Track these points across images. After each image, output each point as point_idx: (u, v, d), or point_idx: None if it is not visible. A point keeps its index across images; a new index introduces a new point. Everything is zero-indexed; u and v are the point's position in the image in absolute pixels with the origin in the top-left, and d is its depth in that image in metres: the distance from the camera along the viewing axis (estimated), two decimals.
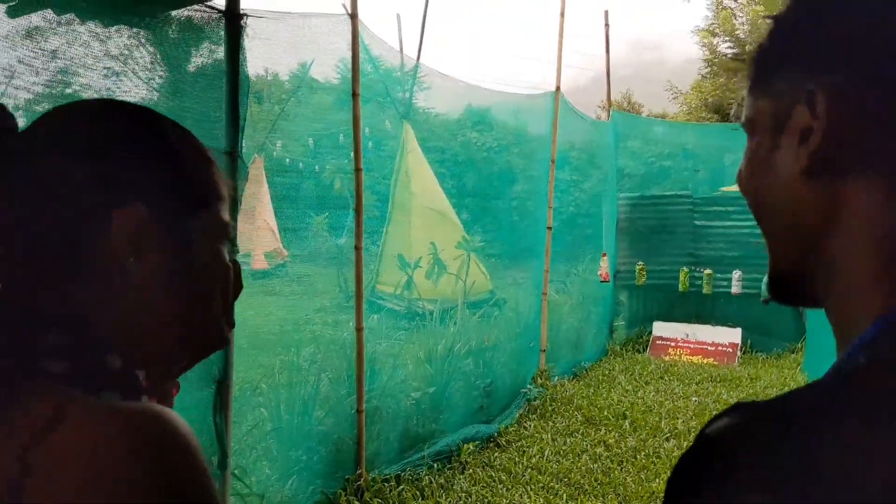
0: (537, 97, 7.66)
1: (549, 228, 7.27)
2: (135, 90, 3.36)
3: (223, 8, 3.42)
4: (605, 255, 8.68)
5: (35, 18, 2.91)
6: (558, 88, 7.22)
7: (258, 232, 7.15)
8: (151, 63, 3.44)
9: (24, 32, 2.89)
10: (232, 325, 0.86)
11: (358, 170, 4.50)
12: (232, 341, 3.47)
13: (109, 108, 0.83)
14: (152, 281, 0.75)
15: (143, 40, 3.39)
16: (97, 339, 0.72)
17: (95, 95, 3.12)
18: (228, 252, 0.85)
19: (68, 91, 3.07)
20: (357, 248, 4.49)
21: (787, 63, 0.65)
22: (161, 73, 3.52)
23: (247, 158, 6.80)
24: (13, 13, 2.81)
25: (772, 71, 0.66)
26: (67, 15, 3.04)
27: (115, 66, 3.29)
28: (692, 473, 0.55)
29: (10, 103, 2.71)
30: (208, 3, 3.42)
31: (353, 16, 4.39)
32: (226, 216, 0.84)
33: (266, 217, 7.09)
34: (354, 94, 4.45)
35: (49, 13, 2.95)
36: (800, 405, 0.54)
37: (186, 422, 0.66)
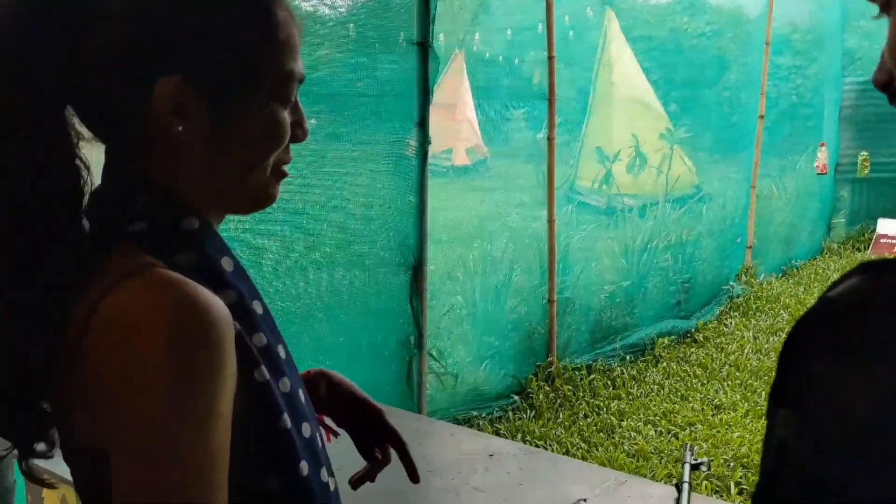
0: None
1: (761, 118, 6.82)
2: None
3: None
4: (823, 144, 8.01)
5: None
6: None
7: (459, 127, 7.30)
8: None
9: None
10: (285, 174, 0.85)
11: (551, 58, 4.45)
12: (426, 230, 3.65)
13: None
14: (201, 145, 0.76)
15: None
16: (174, 202, 0.77)
17: None
18: (292, 107, 0.82)
19: None
20: (550, 139, 4.49)
21: None
22: None
23: (447, 53, 6.92)
24: None
25: None
26: None
27: None
28: (813, 338, 0.51)
29: None
30: None
31: None
32: (290, 67, 0.80)
33: (467, 112, 7.20)
34: None
35: None
36: None
37: (229, 316, 0.69)
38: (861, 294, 0.50)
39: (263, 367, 0.76)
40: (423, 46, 3.49)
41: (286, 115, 0.81)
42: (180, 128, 0.74)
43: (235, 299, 0.76)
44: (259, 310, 0.81)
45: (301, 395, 0.84)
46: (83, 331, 0.67)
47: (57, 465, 0.83)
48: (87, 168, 0.74)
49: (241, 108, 0.77)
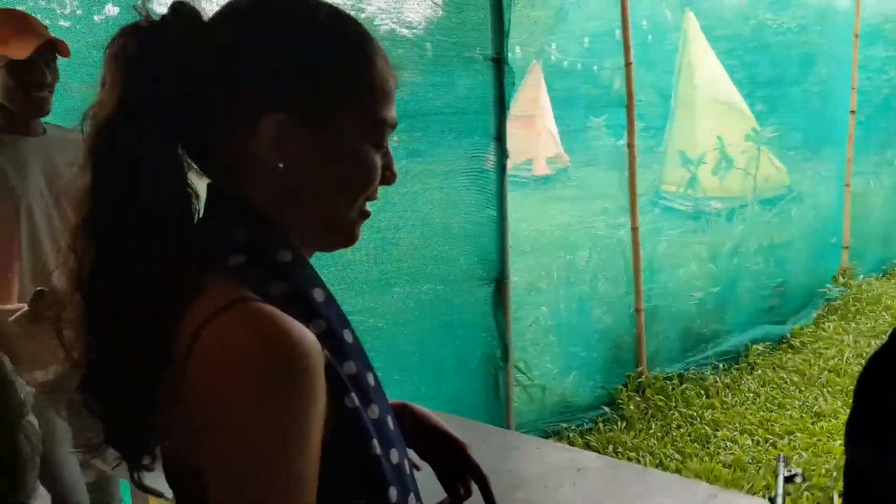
0: None
1: (853, 112, 6.58)
2: (419, 7, 3.54)
3: None
4: None
5: None
6: None
7: (538, 137, 7.29)
8: None
9: None
10: (369, 214, 0.89)
11: (628, 64, 4.41)
12: (507, 243, 3.66)
13: (271, 5, 0.84)
14: (299, 181, 0.81)
15: None
16: (272, 235, 0.82)
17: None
18: (383, 152, 0.87)
19: None
20: (630, 146, 4.45)
21: None
22: None
23: (524, 65, 6.92)
24: None
25: None
26: None
27: None
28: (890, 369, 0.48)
29: None
30: None
31: None
32: (384, 114, 0.85)
33: (546, 122, 7.19)
34: None
35: None
36: None
37: (319, 348, 0.73)
38: None
39: (353, 395, 0.79)
40: (498, 62, 3.51)
41: (378, 159, 0.85)
42: (281, 164, 0.79)
43: (325, 328, 0.80)
44: (349, 338, 0.84)
45: (390, 422, 0.87)
46: (187, 355, 0.72)
47: (156, 480, 0.88)
48: (197, 197, 0.80)
49: (338, 148, 0.82)
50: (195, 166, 0.84)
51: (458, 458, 1.11)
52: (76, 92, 2.40)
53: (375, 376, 0.88)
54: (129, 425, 0.78)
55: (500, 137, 3.55)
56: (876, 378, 0.50)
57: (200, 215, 0.83)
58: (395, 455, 0.84)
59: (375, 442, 0.80)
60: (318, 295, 0.83)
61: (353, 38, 0.84)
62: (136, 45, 0.76)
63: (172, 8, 0.79)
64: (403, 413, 1.10)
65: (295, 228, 0.83)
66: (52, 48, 2.15)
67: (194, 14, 0.80)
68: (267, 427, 0.68)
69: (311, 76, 0.80)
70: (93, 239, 0.75)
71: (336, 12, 0.85)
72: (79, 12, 2.57)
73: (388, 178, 0.89)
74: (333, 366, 0.77)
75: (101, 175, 0.75)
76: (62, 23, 2.55)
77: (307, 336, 0.72)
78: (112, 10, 2.59)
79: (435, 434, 1.11)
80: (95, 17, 2.59)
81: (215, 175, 0.84)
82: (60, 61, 2.22)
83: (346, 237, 0.88)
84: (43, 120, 2.28)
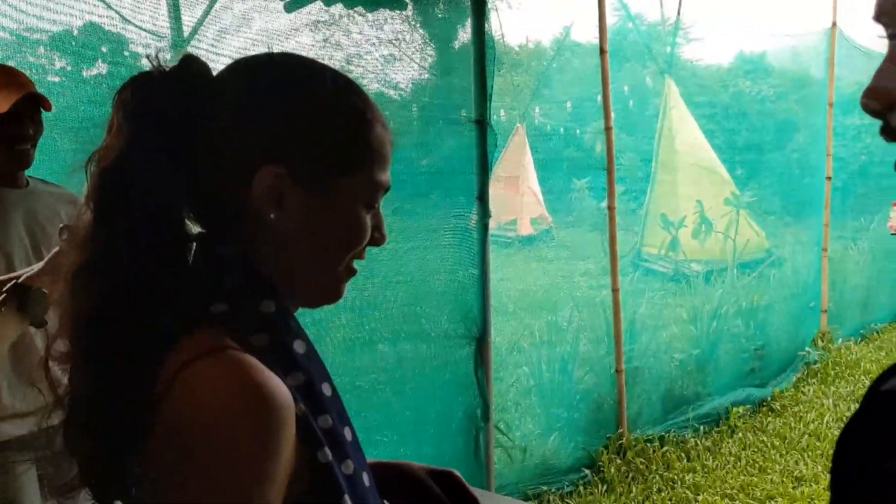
0: (817, 35, 7.03)
1: (829, 179, 6.71)
2: (406, 70, 3.62)
3: None
4: (895, 204, 7.81)
5: (315, 11, 3.22)
6: (834, 24, 6.60)
7: (523, 198, 7.38)
8: (422, 43, 3.67)
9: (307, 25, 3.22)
10: (354, 273, 0.91)
11: (608, 128, 4.50)
12: (488, 301, 3.67)
13: (278, 65, 0.87)
14: (290, 235, 0.83)
15: (412, 23, 3.62)
16: (258, 286, 0.83)
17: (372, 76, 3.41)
18: (373, 213, 0.89)
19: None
20: (610, 208, 4.50)
21: None
22: (430, 52, 3.73)
23: (509, 127, 7.02)
24: (289, 8, 3.16)
25: None
26: (335, 5, 3.32)
27: (389, 51, 3.55)
28: (869, 434, 0.49)
29: None
30: None
31: None
32: (379, 177, 0.87)
33: (530, 184, 7.29)
34: (602, 51, 4.44)
35: (319, 4, 3.24)
36: None
37: (292, 403, 0.74)
38: None
39: (326, 449, 0.79)
40: (482, 124, 3.57)
41: (369, 220, 0.87)
42: (273, 215, 0.81)
43: (304, 381, 0.81)
44: (327, 392, 0.85)
45: (365, 478, 0.87)
46: (163, 398, 0.72)
47: None
48: (192, 243, 0.83)
49: (331, 205, 0.84)
50: (192, 214, 0.85)
51: None
52: (62, 145, 2.43)
53: (353, 431, 0.88)
54: (107, 466, 0.78)
55: (483, 197, 3.59)
56: (864, 444, 0.49)
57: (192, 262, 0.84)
58: None
59: (347, 498, 0.80)
60: (299, 347, 0.84)
61: (355, 104, 0.86)
62: (145, 93, 0.79)
63: (183, 61, 0.82)
64: (387, 468, 1.10)
65: (283, 281, 0.85)
66: (35, 102, 2.18)
67: (203, 68, 0.84)
68: (230, 474, 0.69)
69: (314, 137, 0.83)
70: (92, 279, 0.76)
71: (340, 77, 0.87)
72: (69, 68, 2.60)
73: (378, 239, 0.91)
74: (308, 419, 0.77)
75: (102, 217, 0.77)
76: (50, 77, 2.58)
77: (280, 388, 0.73)
78: (102, 67, 2.63)
79: (416, 486, 1.10)
80: (84, 73, 2.63)
81: (210, 224, 0.86)
82: (47, 115, 2.25)
83: (332, 294, 0.90)
84: (27, 173, 2.29)
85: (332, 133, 0.83)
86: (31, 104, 2.17)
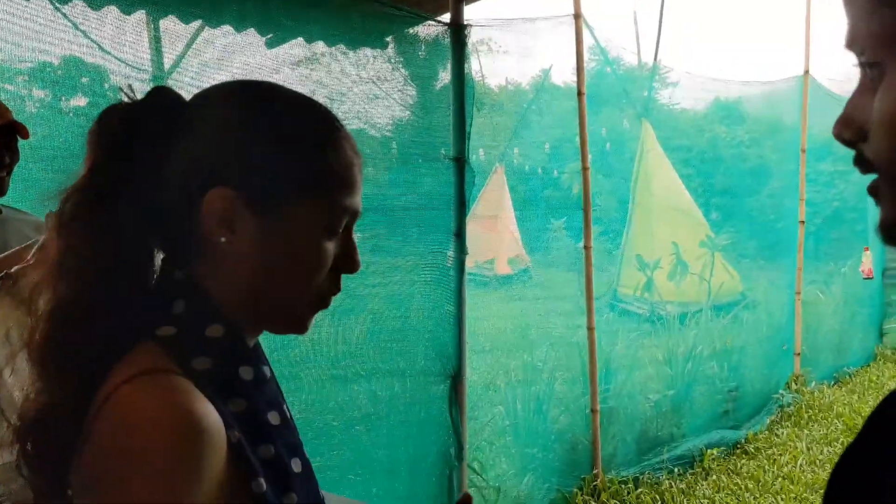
0: (790, 82, 7.17)
1: (802, 223, 6.81)
2: (387, 108, 3.66)
3: (448, 21, 3.61)
4: (867, 249, 7.92)
5: (297, 48, 3.26)
6: (807, 72, 6.75)
7: (501, 237, 7.41)
8: (403, 83, 3.71)
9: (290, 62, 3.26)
10: (324, 305, 0.89)
11: (585, 169, 4.56)
12: (464, 339, 3.67)
13: (242, 90, 0.87)
14: (243, 260, 0.82)
15: (393, 63, 3.67)
16: (207, 309, 0.82)
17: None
18: (341, 239, 0.87)
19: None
20: (586, 248, 4.53)
21: None
22: (410, 91, 3.77)
23: (488, 167, 7.08)
24: (270, 44, 3.19)
25: None
26: (317, 43, 3.36)
27: (371, 89, 3.59)
28: (873, 458, 0.47)
29: None
30: (437, 18, 3.62)
31: (577, 16, 4.46)
32: (343, 202, 0.85)
33: (508, 223, 7.33)
34: (580, 93, 4.51)
35: (301, 41, 3.27)
36: None
37: (221, 431, 0.72)
38: None
39: (261, 480, 0.77)
40: (460, 162, 3.60)
41: (330, 246, 0.85)
42: (223, 239, 0.80)
43: (245, 408, 0.80)
44: (274, 421, 0.83)
45: None
46: (94, 417, 0.72)
47: None
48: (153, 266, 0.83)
49: (286, 234, 0.82)
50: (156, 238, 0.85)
51: None
52: (36, 174, 2.42)
53: (304, 463, 0.86)
54: (52, 480, 0.77)
55: (461, 234, 3.61)
56: (854, 470, 0.48)
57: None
58: None
59: None
60: (245, 374, 0.83)
61: (318, 127, 0.85)
62: (112, 122, 0.80)
63: (152, 92, 0.83)
64: None
65: (241, 306, 0.84)
66: (12, 130, 2.17)
67: (173, 96, 0.84)
68: (147, 497, 0.67)
69: (265, 160, 0.81)
70: (55, 290, 0.77)
71: (307, 102, 0.86)
72: (48, 98, 2.61)
73: (350, 266, 0.89)
74: (243, 447, 0.76)
75: (70, 240, 0.77)
76: (29, 107, 2.58)
77: (208, 413, 0.71)
78: (81, 99, 2.64)
79: None
80: (63, 104, 2.63)
81: (169, 248, 0.85)
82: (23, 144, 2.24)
83: (295, 324, 0.88)
84: (0, 201, 2.28)
85: (286, 156, 0.82)
86: (8, 132, 2.17)
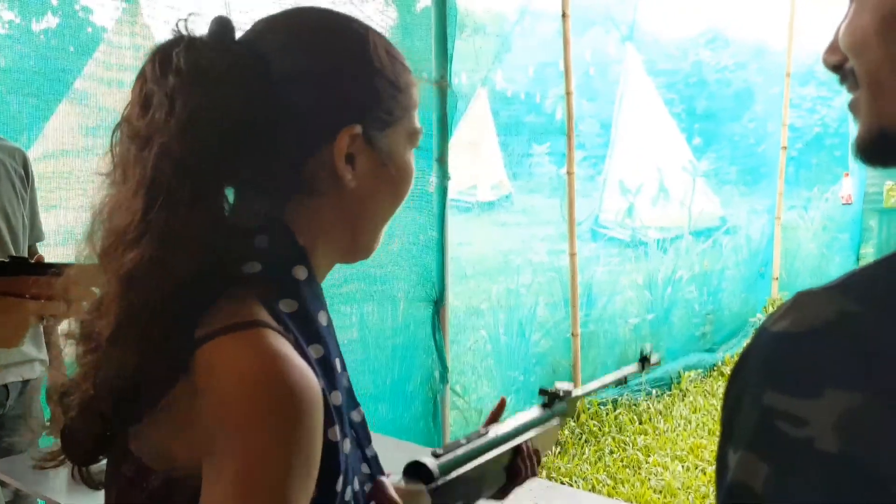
0: (778, 4, 7.08)
1: (784, 148, 6.82)
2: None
3: None
4: (847, 174, 7.95)
5: None
6: None
7: (483, 163, 7.36)
8: (383, 4, 3.62)
9: None
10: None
11: (568, 93, 4.51)
12: (447, 264, 3.68)
13: (321, 24, 0.84)
14: (353, 194, 0.81)
15: None
16: (292, 250, 0.79)
17: None
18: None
19: None
20: (569, 174, 4.53)
21: None
22: (391, 13, 3.68)
23: (470, 91, 6.99)
24: None
25: None
26: None
27: (349, 11, 3.49)
28: (760, 372, 0.48)
29: None
30: None
31: None
32: (417, 123, 0.86)
33: (491, 148, 7.27)
34: (564, 15, 4.43)
35: None
36: (878, 286, 0.47)
37: (320, 395, 0.71)
38: (804, 323, 0.47)
39: (336, 427, 0.77)
40: (442, 86, 3.55)
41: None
42: (349, 177, 0.79)
43: (322, 354, 0.78)
44: (338, 368, 0.82)
45: (358, 459, 0.85)
46: (187, 365, 0.70)
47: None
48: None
49: (390, 157, 0.83)
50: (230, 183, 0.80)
51: None
52: (8, 98, 2.37)
53: (361, 413, 0.87)
54: (109, 431, 0.75)
55: (443, 159, 3.58)
56: (746, 379, 0.49)
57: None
58: (349, 492, 0.81)
59: (341, 480, 0.78)
60: (322, 319, 0.81)
61: (391, 49, 0.85)
62: (196, 59, 0.73)
63: (218, 23, 0.77)
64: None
65: (325, 242, 0.83)
66: None
67: (233, 31, 0.78)
68: (273, 458, 0.66)
69: (379, 91, 0.81)
70: (133, 245, 0.71)
71: (372, 30, 0.85)
72: (17, 20, 2.53)
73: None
74: (325, 396, 0.74)
75: (147, 187, 0.71)
76: None
77: (308, 376, 0.71)
78: (52, 20, 2.56)
79: None
80: (34, 26, 2.55)
81: (251, 184, 0.81)
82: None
83: (372, 247, 0.88)
84: None
85: (387, 82, 0.82)
86: None
